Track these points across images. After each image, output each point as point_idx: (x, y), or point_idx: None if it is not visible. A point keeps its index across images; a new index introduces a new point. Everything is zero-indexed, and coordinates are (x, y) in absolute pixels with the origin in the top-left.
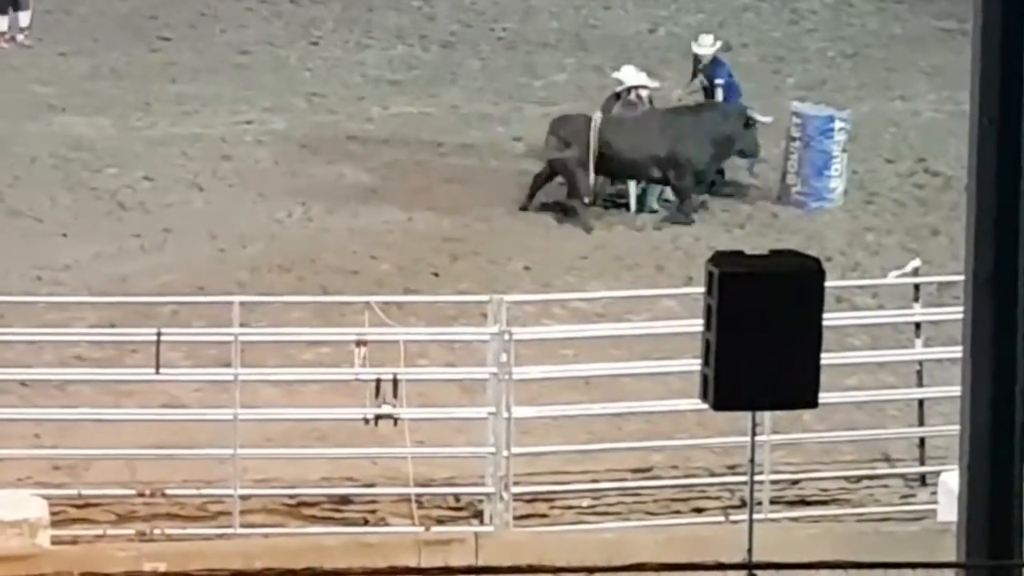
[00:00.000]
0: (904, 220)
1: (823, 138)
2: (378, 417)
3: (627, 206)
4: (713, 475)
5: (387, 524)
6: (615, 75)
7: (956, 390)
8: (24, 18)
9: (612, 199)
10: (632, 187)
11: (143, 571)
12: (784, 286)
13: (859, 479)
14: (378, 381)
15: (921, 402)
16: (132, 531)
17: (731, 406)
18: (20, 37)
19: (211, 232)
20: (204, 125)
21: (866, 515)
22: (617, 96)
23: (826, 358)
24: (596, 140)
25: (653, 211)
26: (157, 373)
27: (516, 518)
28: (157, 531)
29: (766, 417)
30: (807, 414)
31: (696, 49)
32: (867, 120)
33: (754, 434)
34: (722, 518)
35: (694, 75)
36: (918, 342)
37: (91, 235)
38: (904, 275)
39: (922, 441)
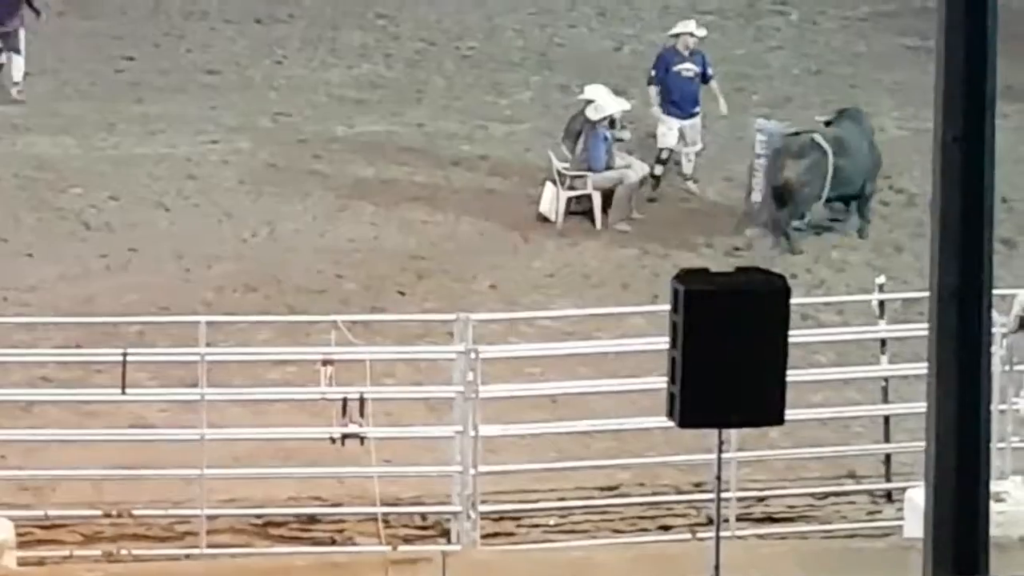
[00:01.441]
0: (869, 237)
1: None
2: (345, 436)
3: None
4: (680, 492)
5: (354, 543)
6: (580, 97)
7: (922, 406)
8: (17, 72)
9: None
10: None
11: None
12: (750, 303)
13: (825, 496)
14: (345, 400)
15: (887, 418)
16: (99, 552)
17: (697, 424)
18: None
19: (177, 252)
20: (169, 145)
21: (832, 532)
22: (583, 118)
23: (792, 375)
24: (832, 163)
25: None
26: (123, 393)
27: (483, 536)
28: (124, 552)
29: (732, 434)
30: (773, 431)
31: (697, 32)
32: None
33: (721, 451)
34: (689, 535)
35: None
36: (883, 358)
37: (56, 255)
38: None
39: (888, 457)
